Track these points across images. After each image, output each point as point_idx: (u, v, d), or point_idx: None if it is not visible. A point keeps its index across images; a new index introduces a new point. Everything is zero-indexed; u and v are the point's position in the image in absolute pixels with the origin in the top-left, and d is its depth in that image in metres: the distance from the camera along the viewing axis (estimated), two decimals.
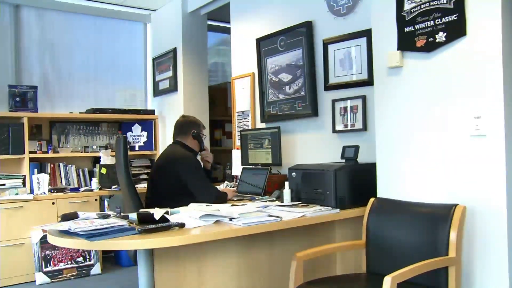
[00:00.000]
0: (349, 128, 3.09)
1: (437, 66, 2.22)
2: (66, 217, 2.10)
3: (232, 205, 2.62)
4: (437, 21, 2.18)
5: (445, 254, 1.98)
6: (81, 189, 4.35)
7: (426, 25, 2.22)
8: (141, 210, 2.25)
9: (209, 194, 2.92)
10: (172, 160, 3.03)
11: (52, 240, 1.92)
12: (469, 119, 2.10)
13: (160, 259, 2.04)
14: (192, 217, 2.13)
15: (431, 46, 2.21)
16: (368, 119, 2.97)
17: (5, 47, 4.52)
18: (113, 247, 1.84)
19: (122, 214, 2.16)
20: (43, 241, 3.86)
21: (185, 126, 3.23)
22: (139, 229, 1.88)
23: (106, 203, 4.26)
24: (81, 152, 4.66)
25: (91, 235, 1.84)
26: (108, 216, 2.14)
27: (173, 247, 1.96)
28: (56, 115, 4.60)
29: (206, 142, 3.47)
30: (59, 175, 4.49)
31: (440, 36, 2.17)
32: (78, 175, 4.59)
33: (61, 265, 3.95)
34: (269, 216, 2.23)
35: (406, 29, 2.31)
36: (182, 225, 1.99)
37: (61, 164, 4.50)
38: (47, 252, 3.89)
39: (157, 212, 2.01)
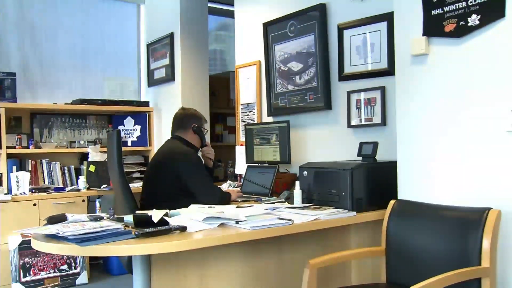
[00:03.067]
0: (366, 122, 3.09)
1: (469, 53, 2.20)
2: (53, 220, 2.10)
3: (237, 207, 2.62)
4: (470, 2, 2.15)
5: (477, 264, 1.96)
6: (67, 189, 4.34)
7: (457, 7, 2.20)
8: (137, 212, 2.25)
9: (212, 195, 2.93)
10: (171, 156, 3.03)
11: (37, 245, 1.91)
12: (505, 113, 2.07)
13: (158, 266, 2.04)
14: (194, 219, 2.12)
15: (462, 31, 2.19)
16: (387, 113, 2.97)
17: None
18: (107, 253, 1.83)
19: (116, 216, 2.15)
20: (22, 247, 3.83)
21: (185, 119, 3.24)
22: (136, 233, 1.88)
23: (97, 204, 4.25)
24: (67, 147, 4.66)
25: (82, 240, 1.83)
26: (100, 218, 2.13)
27: (173, 252, 1.95)
28: (38, 106, 4.58)
29: (207, 138, 3.46)
30: (42, 173, 4.48)
31: (473, 19, 2.15)
32: (63, 173, 4.58)
33: (43, 274, 3.93)
34: (279, 219, 2.23)
35: (434, 12, 2.29)
36: (183, 229, 1.98)
37: (43, 161, 4.49)
38: (27, 259, 3.87)
39: (156, 214, 2.00)
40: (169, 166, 2.98)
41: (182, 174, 2.94)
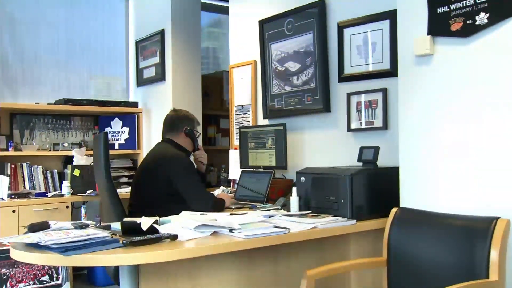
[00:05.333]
0: (367, 126, 3.10)
1: (476, 54, 2.21)
2: (35, 228, 2.08)
3: (230, 214, 2.62)
4: None
5: (485, 276, 1.96)
6: (49, 194, 4.31)
7: (464, 5, 2.21)
8: (125, 219, 2.25)
9: (205, 201, 2.94)
10: (162, 160, 3.03)
11: (17, 255, 1.89)
12: None
13: (147, 277, 2.03)
14: (186, 227, 2.11)
15: (470, 30, 2.20)
16: (389, 116, 2.98)
17: None
18: (93, 263, 1.83)
19: (102, 223, 2.15)
20: None
21: (176, 121, 3.24)
22: (124, 241, 1.87)
23: (83, 210, 4.23)
24: (50, 150, 4.63)
25: (66, 249, 1.82)
26: (86, 226, 2.12)
27: (163, 262, 1.95)
28: (18, 105, 4.55)
29: (200, 141, 3.46)
30: (22, 177, 4.45)
31: (481, 18, 2.16)
32: (45, 178, 4.55)
33: (21, 286, 3.88)
34: (275, 227, 2.23)
35: (439, 10, 2.30)
36: (174, 237, 1.98)
37: (24, 164, 4.46)
38: (3, 270, 3.82)
39: (145, 222, 2.01)
40: (160, 171, 2.98)
41: (173, 179, 2.95)
